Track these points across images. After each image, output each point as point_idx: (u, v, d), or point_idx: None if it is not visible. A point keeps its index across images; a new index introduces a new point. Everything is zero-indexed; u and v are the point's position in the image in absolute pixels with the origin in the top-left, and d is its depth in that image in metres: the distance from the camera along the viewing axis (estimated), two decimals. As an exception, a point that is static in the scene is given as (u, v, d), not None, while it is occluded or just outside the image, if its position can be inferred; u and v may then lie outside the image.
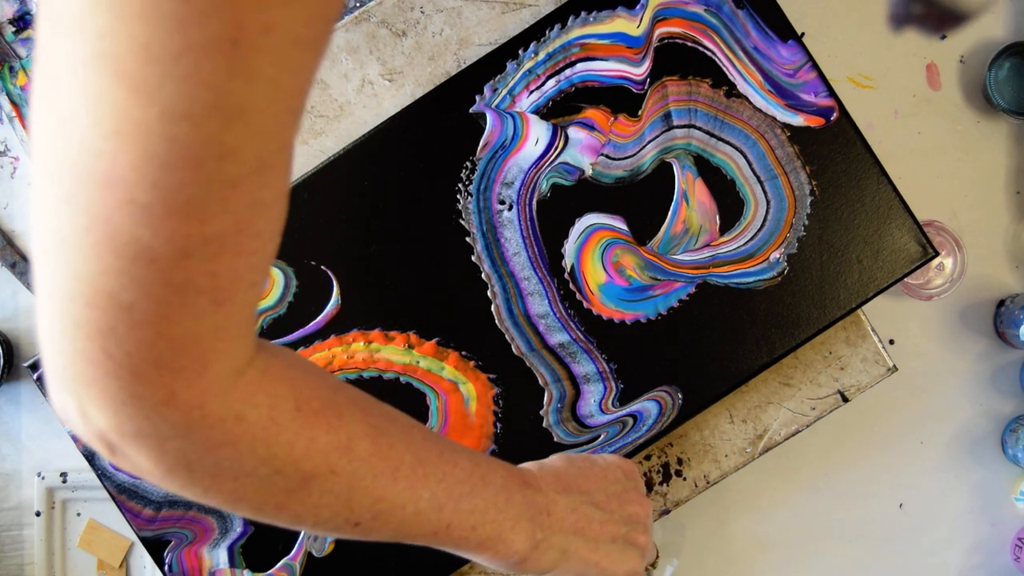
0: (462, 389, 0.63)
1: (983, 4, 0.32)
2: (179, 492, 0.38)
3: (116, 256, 0.30)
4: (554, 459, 0.54)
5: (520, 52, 0.64)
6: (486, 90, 0.64)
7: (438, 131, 0.64)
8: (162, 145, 0.29)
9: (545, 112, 0.63)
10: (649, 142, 0.63)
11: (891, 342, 0.75)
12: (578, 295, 0.63)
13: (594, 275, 0.63)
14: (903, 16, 0.32)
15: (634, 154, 0.63)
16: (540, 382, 0.63)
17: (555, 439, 0.63)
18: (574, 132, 0.63)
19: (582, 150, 0.63)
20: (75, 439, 0.65)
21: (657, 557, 0.62)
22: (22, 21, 0.72)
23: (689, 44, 0.63)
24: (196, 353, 0.33)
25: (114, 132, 0.29)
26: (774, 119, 0.63)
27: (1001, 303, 0.75)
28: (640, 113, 0.63)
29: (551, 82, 0.64)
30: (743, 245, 0.63)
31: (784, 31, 0.63)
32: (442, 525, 0.44)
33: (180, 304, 0.32)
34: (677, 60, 0.63)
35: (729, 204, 0.63)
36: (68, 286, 0.31)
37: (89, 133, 0.29)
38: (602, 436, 0.63)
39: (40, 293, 0.33)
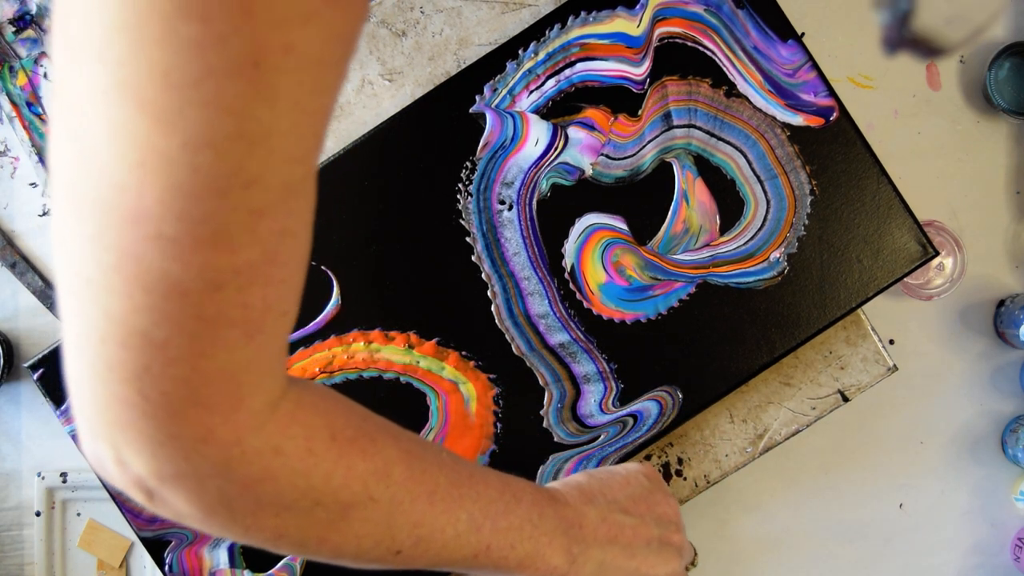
0: (462, 389, 0.63)
1: (962, 41, 0.32)
2: (220, 533, 0.37)
3: (147, 293, 0.29)
4: (574, 475, 0.53)
5: (520, 52, 0.64)
6: (486, 90, 0.64)
7: (438, 131, 0.64)
8: (186, 175, 0.28)
9: (545, 112, 0.63)
10: (649, 142, 0.63)
11: (891, 342, 0.75)
12: (578, 295, 0.63)
13: (594, 275, 0.63)
14: (896, 40, 0.32)
15: (634, 154, 0.63)
16: (540, 382, 0.63)
17: (555, 439, 0.63)
18: (574, 132, 0.63)
19: (582, 150, 0.63)
20: (75, 438, 0.65)
21: (696, 555, 0.60)
22: (22, 21, 0.72)
23: (689, 44, 0.63)
24: (231, 388, 0.32)
25: (138, 164, 0.28)
26: (774, 119, 0.63)
27: (1001, 303, 0.75)
28: (640, 113, 0.63)
29: (551, 82, 0.64)
30: (743, 245, 0.63)
31: (784, 31, 0.63)
32: (482, 546, 0.44)
33: (212, 338, 0.31)
34: (677, 60, 0.63)
35: (729, 204, 0.63)
36: (99, 328, 0.30)
37: (113, 166, 0.28)
38: (602, 436, 0.63)
39: (68, 337, 0.32)
